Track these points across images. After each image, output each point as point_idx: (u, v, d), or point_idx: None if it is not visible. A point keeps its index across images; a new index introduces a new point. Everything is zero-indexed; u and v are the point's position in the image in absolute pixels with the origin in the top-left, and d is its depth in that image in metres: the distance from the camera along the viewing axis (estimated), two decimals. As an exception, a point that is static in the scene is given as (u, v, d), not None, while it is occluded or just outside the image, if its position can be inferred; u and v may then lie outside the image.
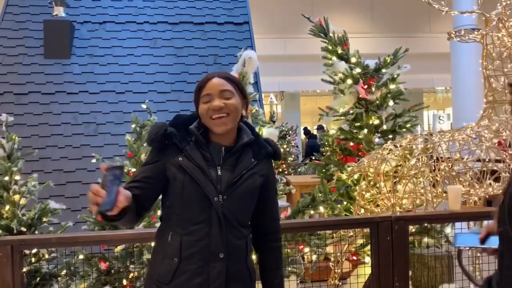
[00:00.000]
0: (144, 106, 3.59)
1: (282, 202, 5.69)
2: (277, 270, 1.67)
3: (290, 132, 10.43)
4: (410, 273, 2.81)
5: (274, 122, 10.16)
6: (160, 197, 1.60)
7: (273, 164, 1.72)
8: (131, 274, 3.17)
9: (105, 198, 1.27)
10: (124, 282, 3.14)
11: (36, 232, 3.23)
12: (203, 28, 6.12)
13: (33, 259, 3.16)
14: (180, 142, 1.51)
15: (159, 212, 3.43)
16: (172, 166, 1.50)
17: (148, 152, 1.68)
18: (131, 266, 3.14)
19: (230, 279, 1.51)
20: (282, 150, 9.67)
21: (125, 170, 3.40)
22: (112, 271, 3.18)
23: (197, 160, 1.50)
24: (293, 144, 10.45)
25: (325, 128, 10.23)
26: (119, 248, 3.16)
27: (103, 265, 3.09)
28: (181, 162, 1.49)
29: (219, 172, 1.51)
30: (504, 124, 3.38)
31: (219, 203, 1.48)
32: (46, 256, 3.20)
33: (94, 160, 3.51)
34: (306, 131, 12.33)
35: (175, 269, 1.48)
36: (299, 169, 9.73)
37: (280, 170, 8.96)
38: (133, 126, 3.54)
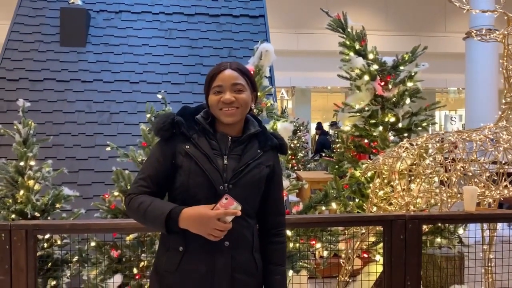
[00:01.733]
0: (159, 96, 3.58)
1: (292, 197, 5.69)
2: (279, 266, 1.65)
3: (301, 127, 10.40)
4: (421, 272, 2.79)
5: (285, 116, 10.12)
6: None
7: (281, 159, 1.73)
8: (142, 263, 3.19)
9: None
10: (135, 270, 3.16)
11: (49, 218, 3.26)
12: (219, 20, 6.10)
13: (45, 245, 3.19)
14: (187, 131, 1.53)
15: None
16: (179, 154, 1.51)
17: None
18: (142, 255, 3.16)
19: (236, 269, 1.51)
20: (292, 145, 9.66)
21: (139, 160, 3.41)
22: (123, 259, 3.20)
23: (204, 148, 1.51)
24: (303, 140, 10.42)
25: (338, 124, 10.21)
26: (131, 236, 3.17)
27: (114, 253, 3.10)
28: (188, 150, 1.50)
29: (225, 161, 1.52)
30: (523, 126, 3.33)
31: (224, 191, 1.48)
32: (58, 242, 3.23)
33: (108, 148, 3.52)
34: (319, 127, 12.25)
35: (180, 258, 1.49)
36: (308, 165, 9.72)
37: (290, 165, 8.95)
38: (148, 116, 3.55)
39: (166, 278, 1.52)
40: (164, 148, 1.54)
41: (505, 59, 3.37)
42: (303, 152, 10.18)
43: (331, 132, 11.61)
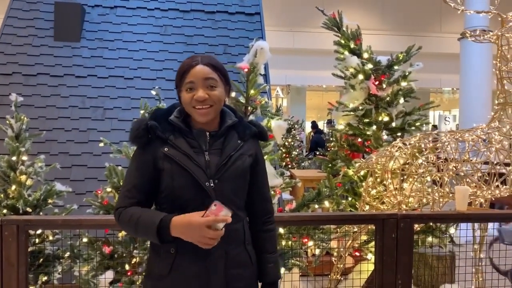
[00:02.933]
0: (153, 92, 3.57)
1: (285, 195, 5.70)
2: (271, 254, 1.64)
3: (296, 126, 10.41)
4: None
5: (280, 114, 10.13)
6: None
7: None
8: (134, 260, 3.18)
9: None
10: (127, 267, 3.15)
11: (41, 213, 3.24)
12: (214, 17, 6.08)
13: (37, 240, 3.18)
14: (163, 133, 1.49)
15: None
16: (159, 159, 1.48)
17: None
18: (134, 251, 3.15)
19: (230, 263, 1.50)
20: (286, 144, 9.67)
21: (132, 156, 3.40)
22: (116, 255, 3.19)
23: (184, 148, 1.48)
24: (298, 138, 10.43)
25: (333, 123, 10.23)
26: (123, 233, 3.16)
27: (106, 249, 3.10)
28: (167, 152, 1.47)
29: (207, 158, 1.50)
30: (515, 126, 3.35)
31: (210, 187, 1.46)
32: (50, 238, 3.21)
33: (101, 144, 3.50)
34: (314, 125, 12.26)
35: (173, 260, 1.47)
36: (302, 164, 9.73)
37: (284, 163, 8.95)
38: (142, 112, 3.54)
39: (160, 282, 1.50)
40: (142, 155, 1.50)
41: (498, 60, 3.39)
42: (297, 150, 10.19)
43: (326, 130, 11.62)
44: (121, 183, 3.30)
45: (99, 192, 3.26)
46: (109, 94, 5.24)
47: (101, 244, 3.14)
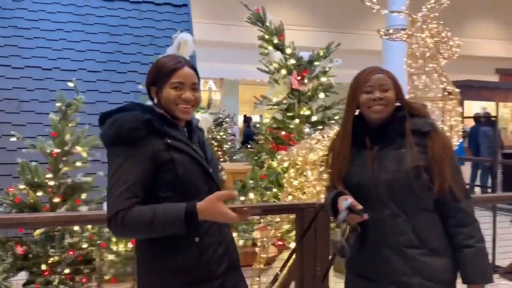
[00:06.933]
0: (71, 84, 3.43)
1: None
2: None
3: (227, 119, 10.44)
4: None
5: (209, 108, 10.10)
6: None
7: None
8: (51, 259, 3.05)
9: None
10: (43, 267, 3.01)
11: None
12: (140, 8, 5.91)
13: None
14: (160, 126, 1.48)
15: (83, 196, 3.31)
16: (160, 151, 1.45)
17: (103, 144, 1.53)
18: (51, 250, 3.02)
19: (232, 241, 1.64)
20: (218, 137, 9.68)
21: (48, 151, 3.23)
22: (30, 255, 3.04)
23: (182, 138, 1.53)
24: (230, 132, 10.47)
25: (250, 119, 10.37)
26: (38, 231, 3.02)
27: (19, 249, 2.93)
28: (172, 143, 1.48)
29: (196, 148, 1.58)
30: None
31: (211, 173, 1.56)
32: (-45, 240, 2.99)
33: (14, 139, 3.31)
34: (245, 119, 12.39)
35: (199, 248, 1.48)
36: (234, 157, 9.80)
37: (216, 157, 8.95)
38: (58, 104, 3.38)
39: (194, 270, 1.49)
40: (140, 150, 1.44)
41: (408, 57, 3.63)
42: (229, 143, 10.22)
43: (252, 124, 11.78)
44: (36, 180, 3.14)
45: (11, 189, 3.08)
46: (25, 86, 4.93)
47: (14, 244, 2.98)
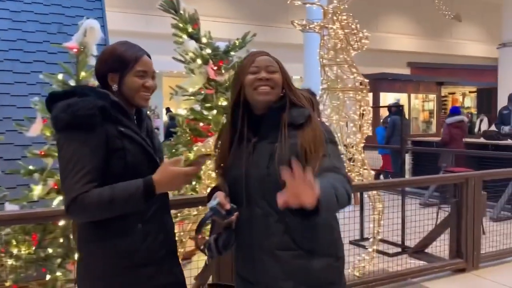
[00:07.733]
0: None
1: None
2: None
3: (148, 112, 10.15)
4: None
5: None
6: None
7: None
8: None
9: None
10: None
11: None
12: (47, -8, 5.49)
13: None
14: (115, 113, 1.51)
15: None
16: (114, 138, 1.49)
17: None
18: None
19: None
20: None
21: None
22: None
23: (132, 127, 1.56)
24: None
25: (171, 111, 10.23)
26: None
27: None
28: (124, 131, 1.51)
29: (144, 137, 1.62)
30: (335, 109, 3.74)
31: (158, 162, 1.59)
32: None
33: None
34: (168, 111, 12.11)
35: (142, 234, 1.52)
36: (157, 151, 9.56)
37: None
38: None
39: (134, 256, 1.52)
40: (95, 136, 1.46)
41: (321, 49, 3.73)
42: (152, 137, 9.96)
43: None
44: None
45: None
46: None
47: None
